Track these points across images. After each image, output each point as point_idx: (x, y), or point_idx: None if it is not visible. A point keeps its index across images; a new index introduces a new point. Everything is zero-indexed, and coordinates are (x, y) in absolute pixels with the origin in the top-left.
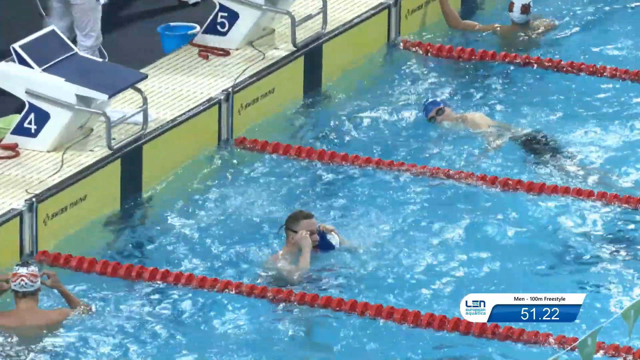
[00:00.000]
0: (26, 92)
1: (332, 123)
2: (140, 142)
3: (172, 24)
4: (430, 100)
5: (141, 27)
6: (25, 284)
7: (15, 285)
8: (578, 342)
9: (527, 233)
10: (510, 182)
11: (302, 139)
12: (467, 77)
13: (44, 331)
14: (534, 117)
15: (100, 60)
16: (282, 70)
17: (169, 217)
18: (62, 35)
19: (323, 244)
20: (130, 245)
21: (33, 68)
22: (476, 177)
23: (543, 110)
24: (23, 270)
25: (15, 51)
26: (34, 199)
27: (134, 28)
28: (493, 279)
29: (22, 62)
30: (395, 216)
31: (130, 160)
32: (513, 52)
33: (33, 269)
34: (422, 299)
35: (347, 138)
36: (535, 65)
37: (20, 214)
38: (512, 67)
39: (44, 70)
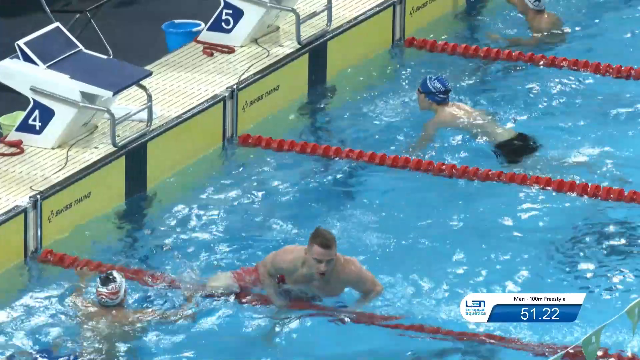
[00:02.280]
0: (31, 89)
1: (336, 120)
2: (144, 139)
3: (176, 21)
4: (435, 77)
5: (145, 24)
6: (106, 301)
7: (96, 298)
8: (582, 339)
9: (527, 232)
10: (515, 176)
11: (307, 136)
12: (471, 74)
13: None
14: (536, 117)
15: (105, 57)
16: (287, 67)
17: (173, 214)
18: (66, 32)
19: None
20: (135, 242)
21: (38, 65)
22: (478, 173)
23: (546, 111)
24: (103, 290)
25: (20, 48)
26: (38, 196)
27: (138, 25)
28: (493, 279)
29: (27, 59)
30: (396, 213)
31: (134, 157)
32: (518, 49)
33: (113, 286)
34: (421, 299)
35: (352, 135)
36: (541, 64)
37: (24, 211)
38: (518, 65)
39: (48, 67)
